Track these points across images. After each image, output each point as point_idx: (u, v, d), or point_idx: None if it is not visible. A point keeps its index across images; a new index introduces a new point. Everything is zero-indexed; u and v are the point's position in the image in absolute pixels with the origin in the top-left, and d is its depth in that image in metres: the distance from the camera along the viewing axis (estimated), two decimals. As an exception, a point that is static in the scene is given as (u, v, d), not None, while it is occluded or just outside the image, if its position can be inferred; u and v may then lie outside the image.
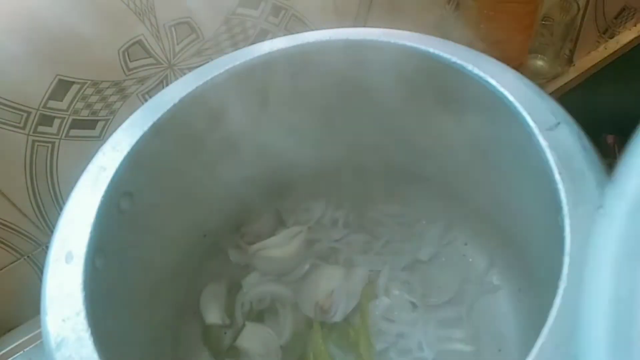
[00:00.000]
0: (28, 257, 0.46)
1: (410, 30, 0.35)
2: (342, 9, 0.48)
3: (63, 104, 0.39)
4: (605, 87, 0.68)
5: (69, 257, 0.27)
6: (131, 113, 0.33)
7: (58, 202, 0.44)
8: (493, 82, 0.31)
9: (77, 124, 0.41)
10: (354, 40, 0.36)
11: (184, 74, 0.39)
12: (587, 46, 0.68)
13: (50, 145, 0.41)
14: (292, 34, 0.37)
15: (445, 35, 0.55)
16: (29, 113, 0.38)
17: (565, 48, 0.63)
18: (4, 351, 0.46)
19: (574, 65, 0.68)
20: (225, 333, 0.44)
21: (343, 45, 0.36)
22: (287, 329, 0.43)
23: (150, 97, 0.36)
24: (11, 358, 0.45)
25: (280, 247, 0.46)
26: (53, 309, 0.26)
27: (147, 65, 0.41)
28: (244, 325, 0.43)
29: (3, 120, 0.38)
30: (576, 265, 0.23)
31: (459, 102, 0.35)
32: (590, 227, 0.24)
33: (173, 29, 0.41)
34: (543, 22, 0.59)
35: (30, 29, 0.35)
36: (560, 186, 0.25)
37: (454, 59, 0.33)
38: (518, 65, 0.53)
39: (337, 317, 0.43)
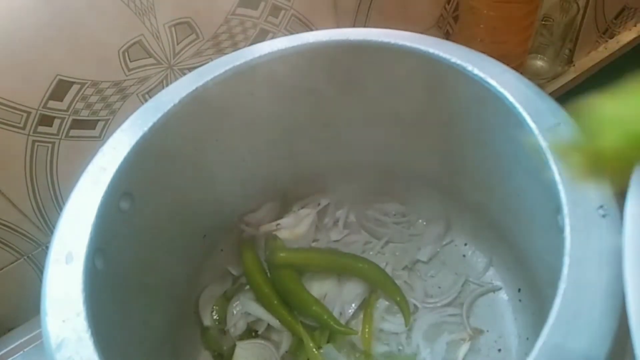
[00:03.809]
0: (28, 257, 0.46)
1: (410, 30, 0.35)
2: (342, 9, 0.48)
3: (63, 104, 0.39)
4: (605, 87, 0.68)
5: (69, 257, 0.27)
6: (131, 113, 0.33)
7: (58, 202, 0.44)
8: (493, 82, 0.31)
9: (77, 124, 0.41)
10: (354, 41, 0.36)
11: (184, 74, 0.39)
12: (587, 46, 0.68)
13: (50, 145, 0.41)
14: (292, 34, 0.37)
15: (445, 35, 0.55)
16: (29, 113, 0.38)
17: (565, 48, 0.63)
18: (4, 351, 0.46)
19: (574, 65, 0.67)
20: (224, 334, 0.44)
21: (343, 46, 0.36)
22: (285, 339, 0.43)
23: (150, 97, 0.36)
24: (11, 358, 0.45)
25: (289, 228, 0.46)
26: (53, 310, 0.26)
27: (147, 65, 0.41)
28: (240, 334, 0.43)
29: (3, 120, 0.38)
30: (576, 265, 0.23)
31: (459, 103, 0.35)
32: (590, 227, 0.24)
33: (173, 29, 0.41)
34: (543, 22, 0.59)
35: (30, 28, 0.35)
36: (560, 186, 0.25)
37: (454, 59, 0.33)
38: (518, 65, 0.53)
39: (337, 318, 0.43)
